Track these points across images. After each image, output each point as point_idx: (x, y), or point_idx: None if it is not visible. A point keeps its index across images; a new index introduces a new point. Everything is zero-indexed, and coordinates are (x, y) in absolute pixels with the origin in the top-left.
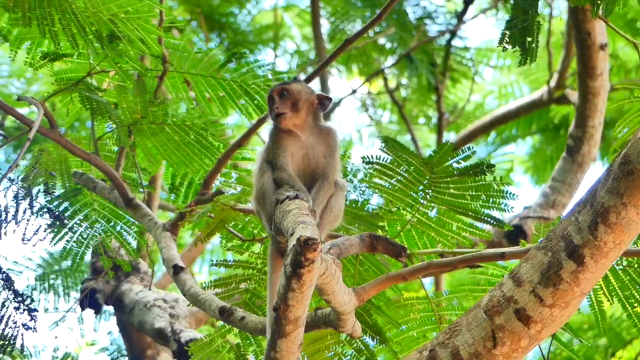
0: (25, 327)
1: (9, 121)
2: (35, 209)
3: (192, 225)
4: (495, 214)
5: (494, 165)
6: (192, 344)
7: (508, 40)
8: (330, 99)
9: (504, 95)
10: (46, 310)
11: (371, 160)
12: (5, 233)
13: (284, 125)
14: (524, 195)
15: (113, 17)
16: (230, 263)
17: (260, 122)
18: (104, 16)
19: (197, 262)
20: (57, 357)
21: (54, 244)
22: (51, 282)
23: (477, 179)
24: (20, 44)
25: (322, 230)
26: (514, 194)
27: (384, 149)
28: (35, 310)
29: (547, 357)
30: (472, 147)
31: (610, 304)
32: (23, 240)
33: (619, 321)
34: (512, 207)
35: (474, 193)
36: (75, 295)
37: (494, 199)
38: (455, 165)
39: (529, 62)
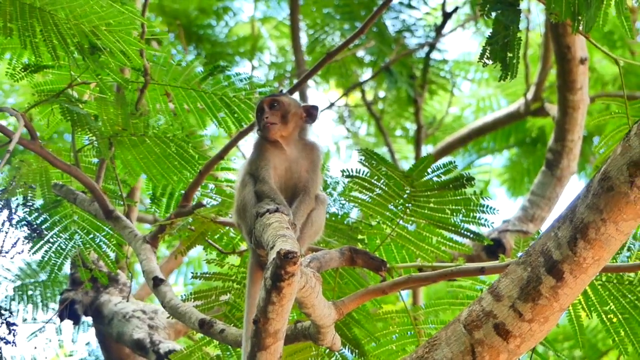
0: (4, 341)
1: None
2: (13, 222)
3: (171, 238)
4: (475, 228)
5: (473, 179)
6: (172, 356)
7: (489, 55)
8: (316, 108)
9: (481, 109)
10: (24, 320)
11: (351, 173)
12: None
13: (272, 135)
14: (500, 208)
15: (95, 28)
16: (209, 275)
17: (242, 134)
18: (86, 28)
19: (172, 273)
20: None
21: (33, 254)
22: (30, 293)
23: (456, 192)
24: (1, 55)
25: (303, 244)
26: (493, 208)
27: (363, 162)
28: (14, 324)
29: None
30: (454, 161)
31: (589, 319)
32: (0, 252)
33: (594, 332)
34: (492, 222)
35: (453, 207)
36: (54, 306)
37: (474, 213)
38: (435, 178)
39: (509, 78)
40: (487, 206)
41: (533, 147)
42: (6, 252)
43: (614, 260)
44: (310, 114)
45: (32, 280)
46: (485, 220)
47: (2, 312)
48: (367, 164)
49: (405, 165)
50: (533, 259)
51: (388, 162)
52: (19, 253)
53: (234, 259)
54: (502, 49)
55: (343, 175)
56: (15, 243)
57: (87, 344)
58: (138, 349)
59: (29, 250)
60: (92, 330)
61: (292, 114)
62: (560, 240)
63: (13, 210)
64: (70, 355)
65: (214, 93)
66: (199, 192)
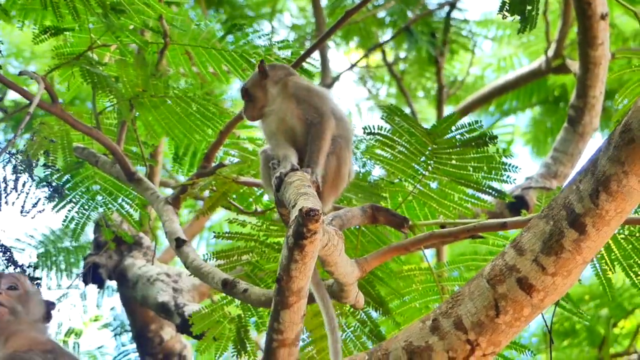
0: None
1: (8, 101)
2: (35, 181)
3: (194, 203)
4: (497, 185)
5: (496, 137)
6: (194, 314)
7: (508, 8)
8: (263, 62)
9: (503, 68)
10: (49, 288)
11: (373, 130)
12: (6, 202)
13: (252, 120)
14: (524, 167)
15: None
16: (231, 235)
17: None
18: None
19: (195, 238)
20: (60, 333)
21: (56, 212)
22: (54, 259)
23: (479, 150)
24: (24, 17)
25: (326, 196)
26: (516, 167)
27: (386, 118)
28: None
29: (550, 326)
30: (480, 120)
31: (613, 273)
32: (22, 212)
33: (620, 291)
34: (515, 179)
35: (476, 165)
36: (78, 272)
37: (496, 171)
38: (458, 136)
39: (528, 30)
40: (510, 164)
41: (556, 106)
42: (27, 212)
43: (636, 213)
44: (262, 71)
45: (56, 246)
46: (508, 177)
47: (25, 268)
48: (389, 120)
49: (427, 126)
50: (555, 213)
51: (411, 119)
52: (40, 212)
53: (255, 220)
54: (521, 2)
55: (365, 132)
56: (36, 203)
57: (112, 308)
58: (163, 312)
59: (52, 209)
60: (117, 294)
61: (256, 90)
62: (582, 194)
63: (33, 170)
64: (96, 320)
65: (235, 51)
66: (221, 152)
